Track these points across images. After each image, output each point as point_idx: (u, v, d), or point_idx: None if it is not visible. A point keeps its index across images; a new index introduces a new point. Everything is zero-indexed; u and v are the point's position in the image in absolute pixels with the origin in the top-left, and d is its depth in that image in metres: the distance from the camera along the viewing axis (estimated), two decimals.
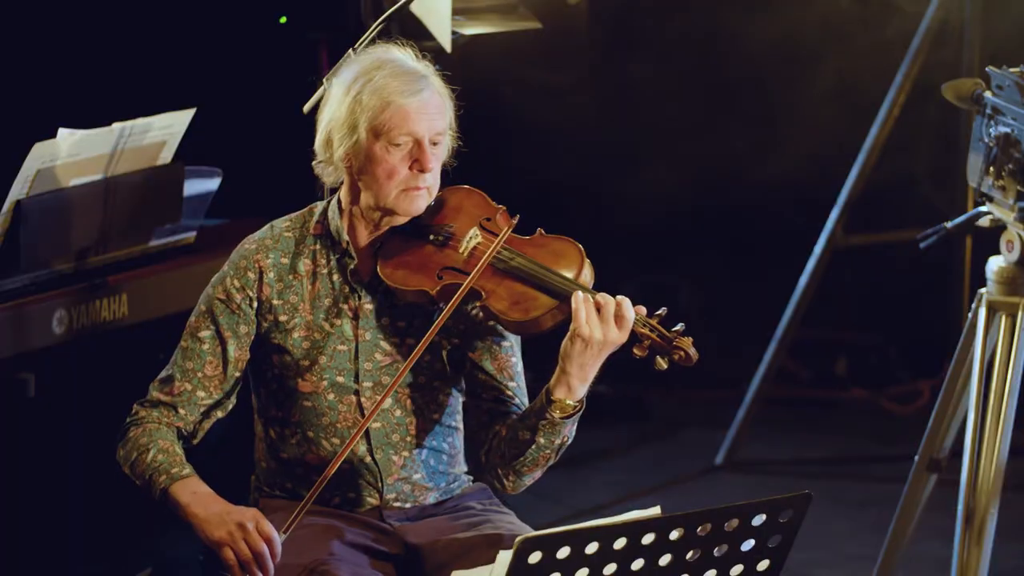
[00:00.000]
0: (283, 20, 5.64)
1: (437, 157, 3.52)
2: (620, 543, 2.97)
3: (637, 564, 3.00)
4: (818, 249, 6.24)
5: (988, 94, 4.35)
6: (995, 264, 4.49)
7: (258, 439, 3.68)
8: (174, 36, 6.03)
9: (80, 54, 5.86)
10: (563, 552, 2.93)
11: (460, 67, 5.36)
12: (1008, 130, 4.29)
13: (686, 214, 7.23)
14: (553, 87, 6.87)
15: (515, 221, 3.55)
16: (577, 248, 3.52)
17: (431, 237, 3.56)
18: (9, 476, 4.58)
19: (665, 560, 3.01)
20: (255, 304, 3.58)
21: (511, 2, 5.42)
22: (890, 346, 7.22)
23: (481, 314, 3.54)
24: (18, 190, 4.16)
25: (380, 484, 3.59)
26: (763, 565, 3.10)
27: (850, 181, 6.18)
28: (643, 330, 3.42)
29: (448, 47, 5.10)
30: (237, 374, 3.60)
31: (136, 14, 5.98)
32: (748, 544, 3.07)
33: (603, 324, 3.38)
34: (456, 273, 3.50)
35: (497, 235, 3.52)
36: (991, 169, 4.34)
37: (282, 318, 3.57)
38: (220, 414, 3.63)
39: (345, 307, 3.57)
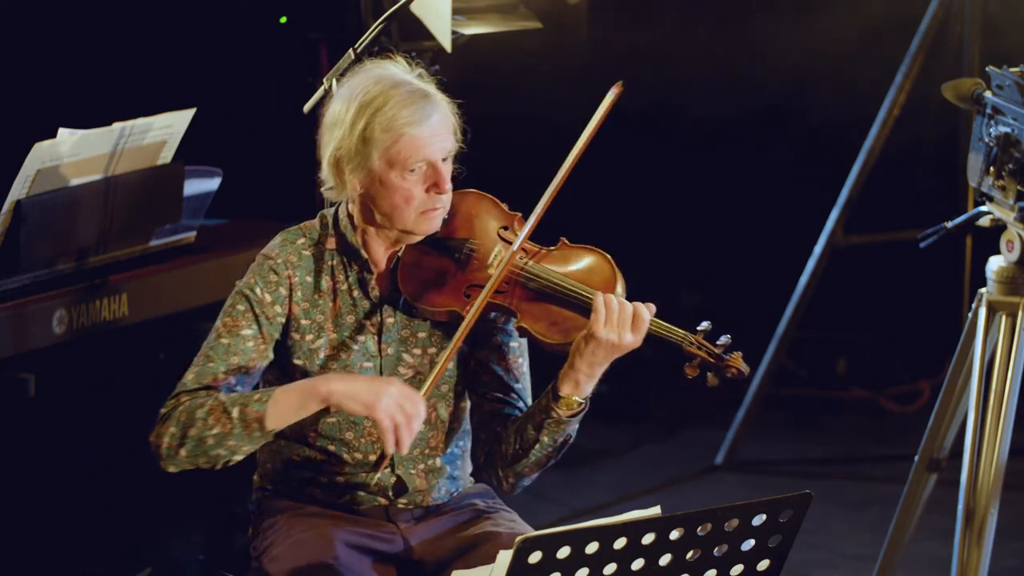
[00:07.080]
0: (283, 20, 5.64)
1: (449, 172, 3.49)
2: (620, 543, 2.97)
3: (637, 564, 3.00)
4: (818, 249, 6.23)
5: (988, 94, 4.35)
6: (995, 264, 4.49)
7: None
8: (174, 36, 6.02)
9: (80, 54, 5.86)
10: (563, 552, 2.93)
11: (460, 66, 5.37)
12: (1008, 130, 4.28)
13: (686, 214, 7.24)
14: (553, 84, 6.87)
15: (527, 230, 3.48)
16: (608, 262, 3.50)
17: (454, 255, 3.52)
18: (9, 476, 4.58)
19: (665, 560, 3.01)
20: (285, 319, 3.53)
21: (511, 2, 5.42)
22: (890, 346, 7.21)
23: (517, 333, 3.51)
24: (18, 190, 4.15)
25: (395, 494, 3.57)
26: (763, 565, 3.10)
27: (850, 181, 6.18)
28: (692, 349, 3.44)
29: (448, 47, 5.10)
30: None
31: (136, 14, 5.97)
32: (748, 544, 3.07)
33: (620, 327, 3.39)
34: (483, 291, 3.46)
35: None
36: (991, 169, 4.33)
37: (308, 337, 3.53)
38: None
39: (368, 323, 3.55)
